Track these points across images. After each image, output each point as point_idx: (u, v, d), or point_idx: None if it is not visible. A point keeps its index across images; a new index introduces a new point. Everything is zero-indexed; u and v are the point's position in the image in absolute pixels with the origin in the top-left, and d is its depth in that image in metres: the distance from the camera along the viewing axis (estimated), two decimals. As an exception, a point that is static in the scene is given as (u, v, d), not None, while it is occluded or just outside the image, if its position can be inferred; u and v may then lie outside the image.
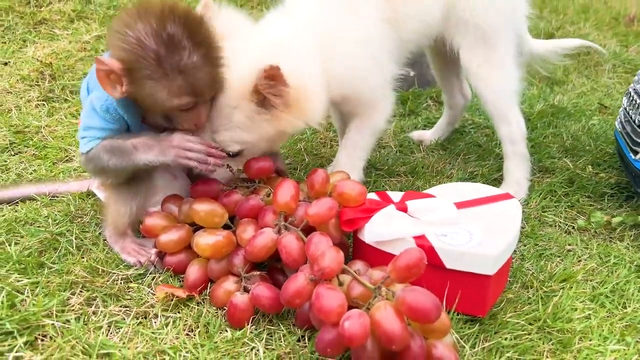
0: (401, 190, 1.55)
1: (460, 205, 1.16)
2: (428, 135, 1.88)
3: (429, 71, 2.25)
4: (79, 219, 1.34)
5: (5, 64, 2.05)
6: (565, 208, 1.51)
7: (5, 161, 1.58)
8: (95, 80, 1.09)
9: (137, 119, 1.16)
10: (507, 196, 1.22)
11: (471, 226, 1.09)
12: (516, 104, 1.51)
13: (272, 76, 1.09)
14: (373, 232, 1.08)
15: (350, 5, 1.34)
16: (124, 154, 1.12)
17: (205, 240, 1.12)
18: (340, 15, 1.34)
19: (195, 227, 1.18)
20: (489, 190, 1.25)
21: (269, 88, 1.11)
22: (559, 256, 1.32)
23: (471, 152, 1.79)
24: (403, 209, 1.13)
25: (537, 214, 1.48)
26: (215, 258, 1.13)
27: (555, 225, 1.45)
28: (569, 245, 1.36)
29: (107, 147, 1.13)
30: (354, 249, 1.17)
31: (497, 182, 1.61)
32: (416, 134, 1.90)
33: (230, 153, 1.22)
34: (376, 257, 1.09)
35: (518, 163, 1.53)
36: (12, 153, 1.62)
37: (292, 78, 1.11)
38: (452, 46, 1.49)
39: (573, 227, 1.44)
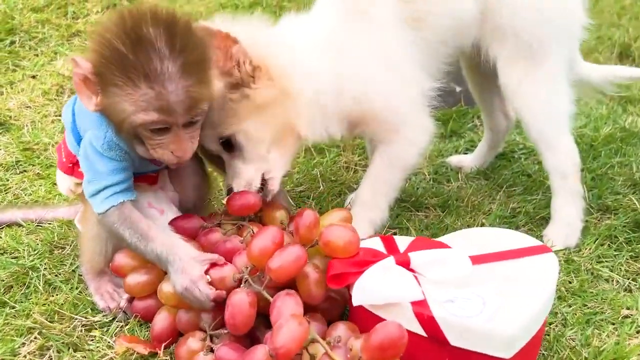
0: (426, 228, 1.34)
1: (478, 259, 0.94)
2: (468, 161, 1.64)
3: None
4: (59, 250, 1.23)
5: (33, 77, 2.01)
6: (626, 259, 1.24)
7: (7, 180, 1.51)
8: (89, 116, 0.97)
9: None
10: (542, 249, 0.99)
11: (486, 291, 0.87)
12: (567, 130, 1.26)
13: (222, 44, 0.99)
14: (363, 292, 0.88)
15: (359, 5, 1.16)
16: (140, 240, 0.98)
17: (169, 287, 0.97)
18: (349, 16, 1.16)
19: (169, 270, 1.03)
20: (520, 239, 1.02)
21: (226, 61, 1.02)
22: (612, 323, 1.07)
23: (517, 183, 1.54)
24: (405, 262, 0.92)
25: (590, 266, 1.22)
26: (183, 308, 0.98)
27: (612, 281, 1.19)
28: (627, 309, 1.10)
29: (125, 220, 0.99)
30: (350, 306, 0.97)
31: (545, 221, 1.36)
32: (455, 160, 1.67)
33: (220, 140, 1.08)
34: (371, 320, 0.89)
35: (568, 200, 1.28)
36: (17, 172, 1.55)
37: (261, 51, 1.05)
38: (488, 56, 1.25)
39: (635, 285, 1.17)
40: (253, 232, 1.01)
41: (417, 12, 1.16)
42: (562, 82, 1.23)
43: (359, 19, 1.16)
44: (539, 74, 1.21)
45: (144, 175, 1.12)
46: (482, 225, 1.35)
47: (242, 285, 0.90)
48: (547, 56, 1.20)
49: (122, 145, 0.99)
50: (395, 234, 1.33)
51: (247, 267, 0.91)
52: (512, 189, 1.52)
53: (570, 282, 1.17)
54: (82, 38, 2.25)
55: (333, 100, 1.13)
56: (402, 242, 1.01)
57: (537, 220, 1.37)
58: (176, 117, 0.92)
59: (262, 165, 1.12)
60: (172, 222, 1.08)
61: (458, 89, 2.00)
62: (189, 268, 0.93)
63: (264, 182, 1.12)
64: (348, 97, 1.14)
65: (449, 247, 0.97)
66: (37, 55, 2.12)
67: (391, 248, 0.99)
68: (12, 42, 2.13)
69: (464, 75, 1.54)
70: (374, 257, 0.93)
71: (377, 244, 1.01)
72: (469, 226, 1.35)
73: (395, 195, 1.28)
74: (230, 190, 1.12)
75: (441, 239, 1.04)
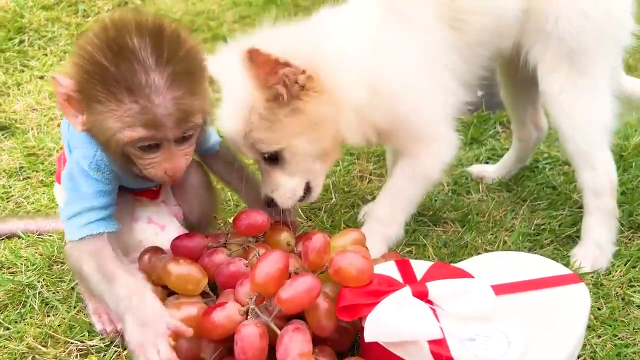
0: (444, 246, 1.27)
1: (501, 289, 0.87)
2: (491, 172, 1.56)
3: (500, 91, 1.93)
4: (59, 265, 1.17)
5: (41, 77, 1.97)
6: (661, 284, 1.15)
7: (10, 187, 1.46)
8: (79, 134, 0.91)
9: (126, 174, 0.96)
10: (571, 279, 0.91)
11: (510, 327, 0.79)
12: (606, 145, 1.17)
13: (255, 59, 0.93)
14: (376, 328, 0.81)
15: (397, 5, 1.09)
16: (103, 282, 0.87)
17: (171, 313, 0.91)
18: (389, 17, 1.09)
19: (170, 291, 0.97)
20: (547, 266, 0.94)
21: (271, 75, 0.95)
22: (646, 357, 0.98)
23: (542, 196, 1.46)
24: (422, 292, 0.85)
25: (621, 291, 1.13)
26: (184, 336, 0.91)
27: (646, 309, 1.10)
28: (663, 341, 1.02)
29: (93, 257, 0.89)
30: (361, 339, 0.90)
31: (572, 240, 1.28)
32: (476, 169, 1.58)
33: (266, 156, 1.03)
34: (385, 356, 0.82)
35: (601, 220, 1.19)
36: (20, 178, 1.50)
37: (311, 62, 0.98)
38: (528, 60, 1.17)
39: (670, 313, 1.09)
40: (259, 255, 0.95)
41: (457, 11, 1.09)
42: (605, 93, 1.14)
43: (399, 20, 1.09)
44: (581, 82, 1.12)
45: (144, 190, 1.06)
46: (504, 243, 1.27)
47: (249, 317, 0.84)
48: (592, 64, 1.12)
49: (112, 166, 0.93)
50: (411, 252, 1.26)
51: (251, 297, 0.84)
52: (537, 202, 1.43)
53: (599, 309, 1.09)
54: (91, 37, 2.20)
55: (369, 104, 1.07)
56: (419, 267, 0.94)
57: (563, 238, 1.29)
58: (165, 132, 0.85)
59: (307, 176, 1.09)
60: (175, 242, 1.02)
61: (479, 93, 1.91)
62: (153, 321, 0.80)
63: (306, 190, 1.10)
64: (381, 102, 1.08)
65: (470, 276, 0.89)
66: (46, 55, 2.08)
67: (407, 274, 0.92)
68: (21, 42, 2.09)
69: (498, 80, 1.46)
70: (388, 286, 0.86)
71: (392, 270, 0.93)
72: (490, 244, 1.27)
73: (413, 211, 1.23)
74: (270, 202, 1.09)
75: (461, 264, 0.96)
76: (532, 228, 1.33)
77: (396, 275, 0.92)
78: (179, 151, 0.89)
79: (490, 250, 1.25)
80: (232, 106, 1.03)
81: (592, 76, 1.13)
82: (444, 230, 1.34)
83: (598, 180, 1.16)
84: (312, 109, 1.00)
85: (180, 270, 0.94)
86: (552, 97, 1.16)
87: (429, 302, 0.85)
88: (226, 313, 0.83)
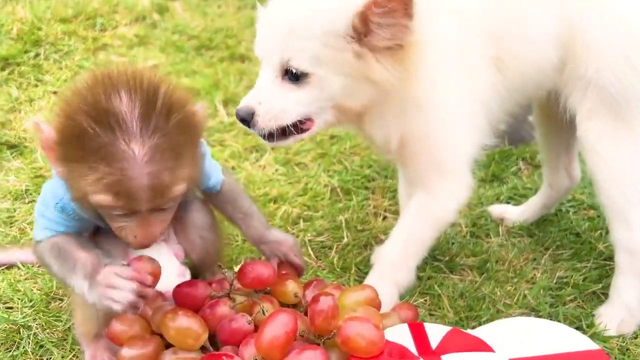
0: (460, 297, 1.20)
1: (522, 367, 0.80)
2: (513, 214, 1.48)
3: (524, 125, 1.85)
4: (56, 303, 1.13)
5: (55, 93, 1.94)
6: (693, 352, 1.08)
7: (15, 211, 1.42)
8: None
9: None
10: (598, 355, 0.84)
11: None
12: None
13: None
14: (384, 406, 0.75)
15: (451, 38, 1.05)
16: (64, 267, 0.87)
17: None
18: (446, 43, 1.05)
19: (168, 342, 0.92)
20: (571, 339, 0.88)
21: (384, 16, 0.89)
22: None
23: (565, 244, 1.38)
24: (436, 367, 0.79)
25: (649, 359, 1.06)
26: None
27: (676, 381, 1.03)
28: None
29: (54, 248, 0.89)
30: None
31: (597, 298, 1.20)
32: (497, 210, 1.51)
33: (293, 70, 0.95)
34: None
35: (633, 282, 1.11)
36: (25, 201, 1.46)
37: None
38: (567, 107, 1.12)
39: (703, 388, 1.01)
40: (264, 312, 0.89)
41: (502, 52, 1.05)
42: None
43: (455, 51, 1.05)
44: (622, 132, 1.06)
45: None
46: (524, 297, 1.20)
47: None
48: (635, 114, 1.05)
49: (82, 212, 0.89)
50: (425, 302, 1.20)
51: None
52: (559, 251, 1.36)
53: (625, 380, 1.02)
54: (107, 52, 2.17)
55: (411, 112, 1.04)
56: (435, 332, 0.88)
57: (587, 295, 1.21)
58: (139, 204, 0.80)
59: (309, 112, 0.99)
60: (177, 289, 0.97)
61: (502, 126, 1.85)
62: (98, 270, 0.83)
63: (293, 128, 0.99)
64: (421, 117, 1.05)
65: (490, 349, 0.83)
66: (60, 69, 2.05)
67: (421, 342, 0.86)
68: (37, 55, 2.06)
69: (534, 122, 1.40)
70: (400, 358, 0.80)
71: (404, 335, 0.87)
72: (509, 297, 1.21)
73: (425, 255, 1.17)
74: (243, 120, 0.98)
75: (480, 331, 0.90)
76: (554, 281, 1.25)
77: (409, 342, 0.86)
78: (153, 219, 0.84)
79: (509, 305, 1.18)
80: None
81: (633, 127, 1.07)
82: (461, 278, 1.27)
83: (633, 239, 1.09)
84: (378, 70, 0.94)
85: (181, 323, 0.89)
86: (590, 144, 1.10)
87: (444, 377, 0.79)
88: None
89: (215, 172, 1.06)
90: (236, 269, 1.02)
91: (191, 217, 1.08)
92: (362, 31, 0.92)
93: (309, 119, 1.00)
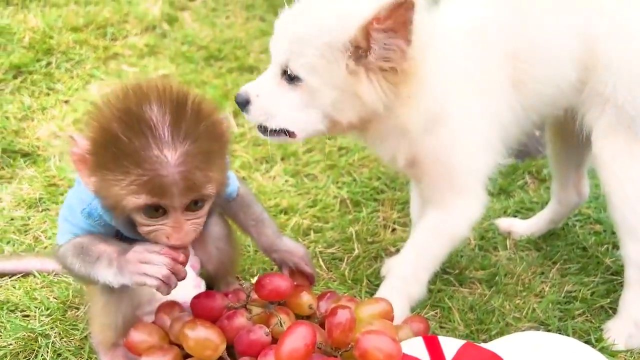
0: (470, 309, 1.22)
1: (537, 381, 0.82)
2: (520, 228, 1.50)
3: (531, 140, 1.87)
4: (73, 311, 1.15)
5: (66, 102, 1.96)
6: (700, 368, 1.09)
7: (29, 219, 1.44)
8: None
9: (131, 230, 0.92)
10: (611, 371, 0.86)
11: None
12: None
13: (400, 15, 0.88)
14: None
15: (478, 51, 1.07)
16: (87, 261, 0.88)
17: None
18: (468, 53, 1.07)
19: (186, 353, 0.94)
20: (584, 354, 0.89)
21: (384, 33, 0.90)
22: None
23: (572, 258, 1.40)
24: (452, 381, 0.81)
25: (657, 374, 1.08)
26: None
27: (684, 397, 1.04)
28: None
29: (76, 247, 0.90)
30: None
31: (605, 312, 1.22)
32: (505, 223, 1.53)
33: (288, 71, 0.97)
34: None
35: None
36: (39, 209, 1.48)
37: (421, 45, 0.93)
38: (583, 124, 1.14)
39: None
40: (281, 324, 0.91)
41: (521, 72, 1.07)
42: None
43: (480, 70, 1.07)
44: (637, 151, 1.08)
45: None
46: (533, 311, 1.22)
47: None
48: None
49: (107, 218, 0.91)
50: (435, 315, 1.21)
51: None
52: (567, 265, 1.38)
53: (633, 396, 1.04)
54: (118, 62, 2.19)
55: (424, 127, 1.04)
56: (449, 345, 0.90)
57: (595, 309, 1.23)
58: (171, 199, 0.81)
59: (304, 118, 1.01)
60: (195, 300, 0.99)
61: (515, 145, 1.87)
62: (123, 255, 0.84)
63: (282, 131, 1.03)
64: (438, 133, 1.06)
65: (503, 362, 0.84)
66: (72, 78, 2.07)
67: (436, 354, 0.88)
68: (48, 64, 2.09)
69: (546, 139, 1.42)
70: (416, 371, 0.81)
71: (419, 348, 0.89)
72: (518, 310, 1.22)
73: (437, 269, 1.19)
74: (239, 102, 1.02)
75: (494, 345, 0.92)
76: (562, 295, 1.27)
77: (424, 355, 0.88)
78: (186, 220, 0.85)
79: (518, 318, 1.20)
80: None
81: None
82: (470, 291, 1.29)
83: None
84: (367, 90, 0.95)
85: (200, 334, 0.91)
86: (605, 162, 1.12)
87: (459, 391, 0.80)
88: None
89: (232, 179, 1.08)
90: (252, 280, 1.03)
91: (208, 228, 1.09)
92: (362, 46, 0.93)
93: (293, 133, 1.03)
